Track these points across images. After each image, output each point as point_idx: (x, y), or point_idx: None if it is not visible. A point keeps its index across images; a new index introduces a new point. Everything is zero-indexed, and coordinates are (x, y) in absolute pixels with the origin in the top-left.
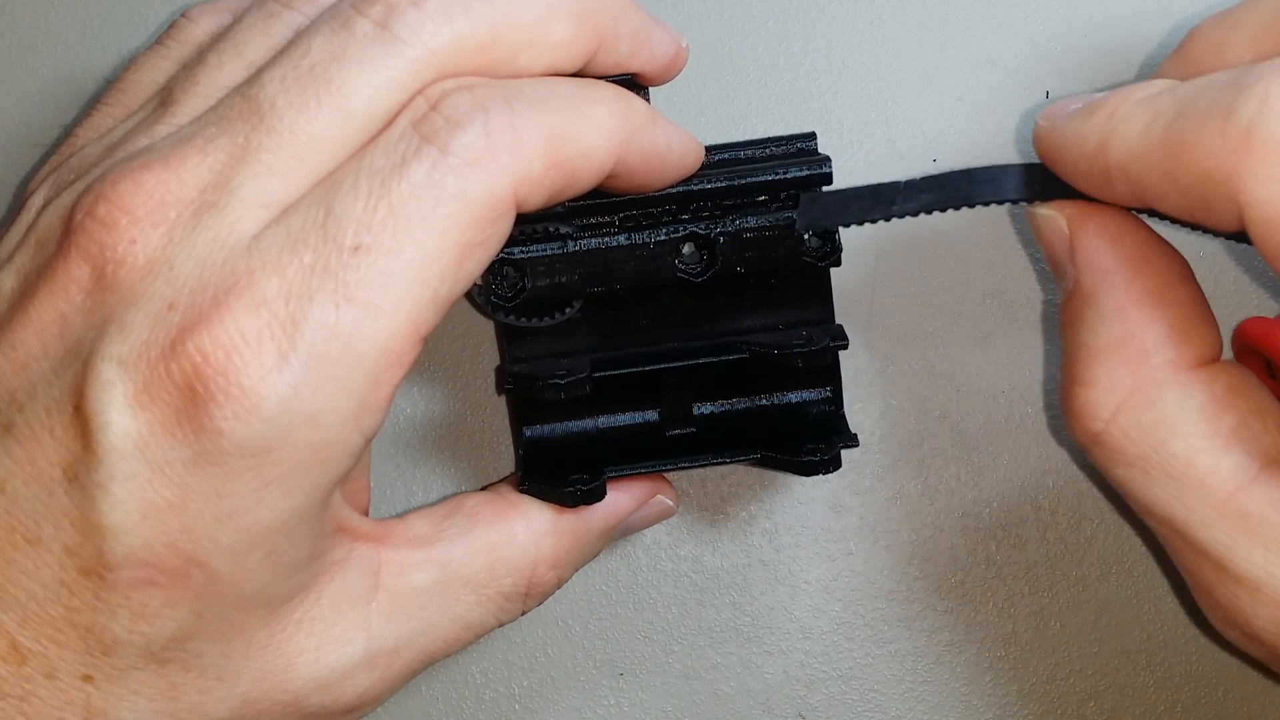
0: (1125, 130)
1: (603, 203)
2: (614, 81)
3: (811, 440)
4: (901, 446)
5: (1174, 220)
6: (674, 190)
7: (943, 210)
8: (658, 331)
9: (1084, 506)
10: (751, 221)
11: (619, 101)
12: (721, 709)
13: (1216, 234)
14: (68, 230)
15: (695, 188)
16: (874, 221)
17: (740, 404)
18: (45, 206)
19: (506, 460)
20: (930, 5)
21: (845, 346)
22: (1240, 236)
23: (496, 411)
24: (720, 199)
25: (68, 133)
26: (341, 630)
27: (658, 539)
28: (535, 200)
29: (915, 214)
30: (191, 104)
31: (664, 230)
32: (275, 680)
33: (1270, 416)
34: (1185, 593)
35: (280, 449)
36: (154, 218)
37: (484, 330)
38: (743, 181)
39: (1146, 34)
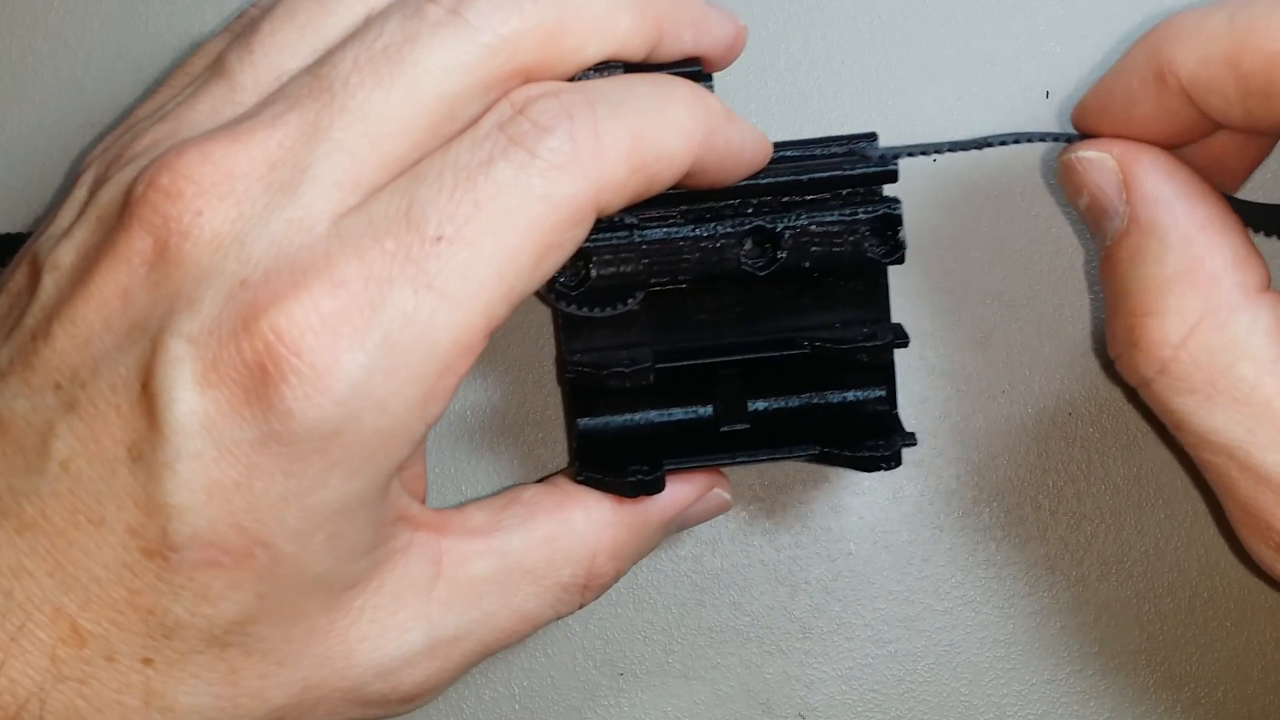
0: (1179, 29)
1: (670, 194)
2: (679, 69)
3: (868, 438)
4: None
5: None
6: (741, 184)
7: (979, 149)
8: (715, 327)
9: (1084, 507)
10: (817, 216)
11: (696, 100)
12: (721, 709)
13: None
14: (129, 202)
15: (762, 181)
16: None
17: (794, 401)
18: (103, 182)
19: (558, 454)
20: (930, 5)
21: (906, 344)
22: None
23: (549, 404)
24: (787, 194)
25: (128, 113)
26: (403, 618)
27: None
28: (616, 204)
29: (959, 150)
30: (247, 75)
31: (729, 223)
32: (335, 667)
33: None
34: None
35: (347, 432)
36: (220, 189)
37: (539, 321)
38: (809, 177)
39: None
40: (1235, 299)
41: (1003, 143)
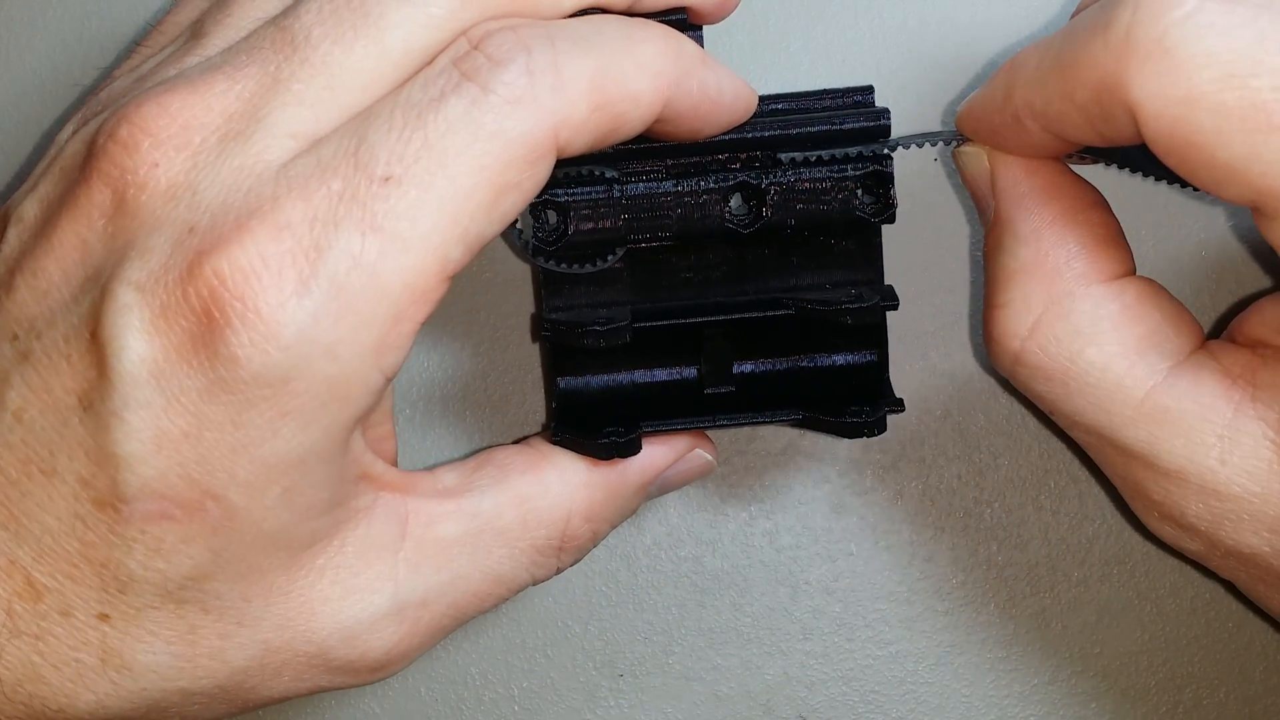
0: (1023, 71)
1: (651, 147)
2: (665, 21)
3: (855, 403)
4: (903, 446)
5: (1096, 156)
6: (725, 138)
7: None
8: (700, 287)
9: (1085, 507)
10: (805, 173)
11: (668, 41)
12: (722, 710)
13: (1130, 168)
14: (90, 155)
15: (748, 136)
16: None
17: (781, 364)
18: (71, 137)
19: (537, 416)
20: (930, 5)
21: (895, 307)
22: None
23: (528, 366)
24: (773, 149)
25: (106, 75)
26: (367, 579)
27: (658, 539)
28: (578, 144)
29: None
30: (222, 35)
31: (713, 178)
32: (298, 629)
33: (1182, 323)
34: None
35: (297, 380)
36: (177, 141)
37: (519, 281)
38: (798, 132)
39: None
40: (1075, 289)
41: (931, 143)
